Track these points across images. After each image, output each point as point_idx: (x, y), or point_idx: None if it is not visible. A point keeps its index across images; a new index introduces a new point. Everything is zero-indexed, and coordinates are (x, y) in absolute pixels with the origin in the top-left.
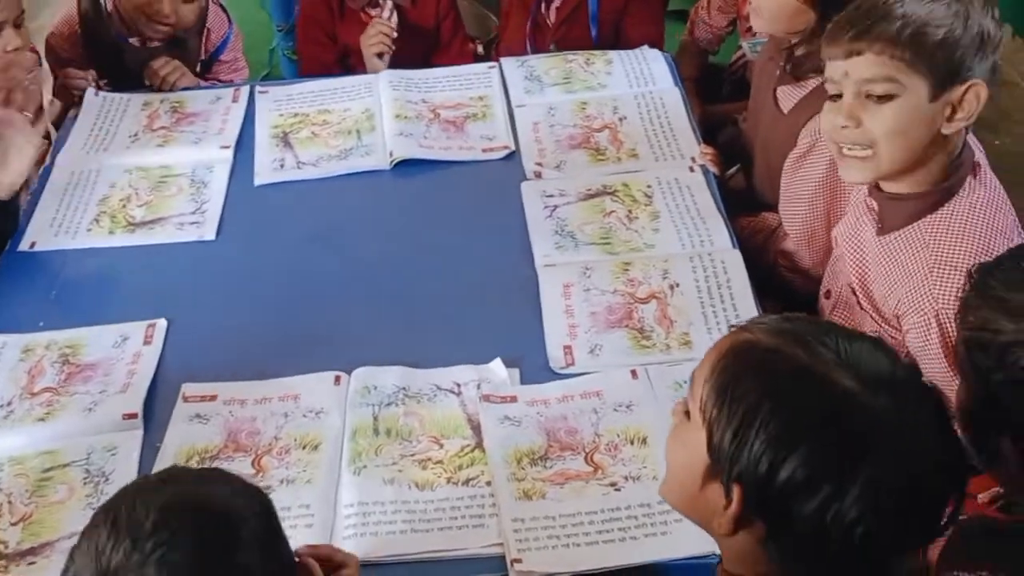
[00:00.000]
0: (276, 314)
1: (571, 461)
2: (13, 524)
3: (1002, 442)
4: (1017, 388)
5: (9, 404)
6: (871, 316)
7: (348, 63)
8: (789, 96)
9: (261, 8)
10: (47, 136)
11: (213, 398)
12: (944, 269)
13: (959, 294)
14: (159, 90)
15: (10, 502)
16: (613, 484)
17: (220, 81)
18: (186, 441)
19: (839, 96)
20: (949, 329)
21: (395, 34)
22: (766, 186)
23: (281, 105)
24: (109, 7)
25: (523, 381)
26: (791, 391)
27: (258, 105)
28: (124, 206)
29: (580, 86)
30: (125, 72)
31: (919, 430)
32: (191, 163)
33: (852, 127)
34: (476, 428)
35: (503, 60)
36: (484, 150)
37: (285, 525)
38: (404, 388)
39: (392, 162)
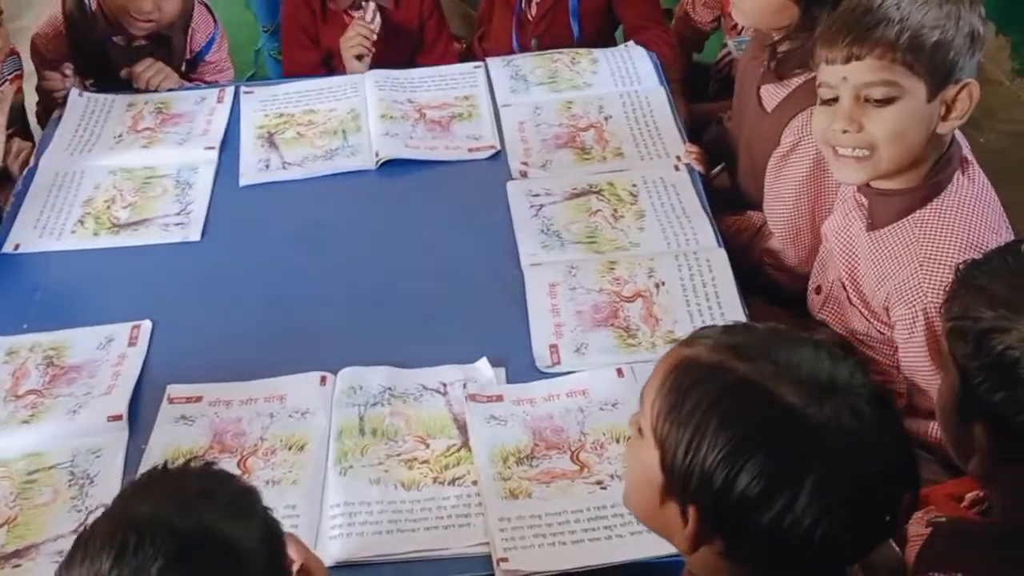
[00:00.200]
0: (262, 315)
1: (557, 460)
2: None
3: (976, 429)
4: (992, 372)
5: None
6: (860, 311)
7: (331, 65)
8: (773, 95)
9: (247, 9)
10: (30, 138)
11: (199, 399)
12: (932, 263)
13: (946, 288)
14: (145, 91)
15: None
16: (599, 483)
17: (205, 82)
18: (171, 443)
19: (834, 100)
20: (935, 324)
21: (375, 36)
22: (751, 185)
23: (266, 105)
24: (93, 6)
25: (509, 380)
26: (736, 408)
27: (243, 105)
28: (109, 207)
29: (566, 85)
30: (111, 72)
31: (864, 434)
32: (176, 164)
33: (853, 131)
34: (462, 428)
35: (488, 60)
36: (470, 150)
37: None
38: (390, 388)
39: (378, 162)
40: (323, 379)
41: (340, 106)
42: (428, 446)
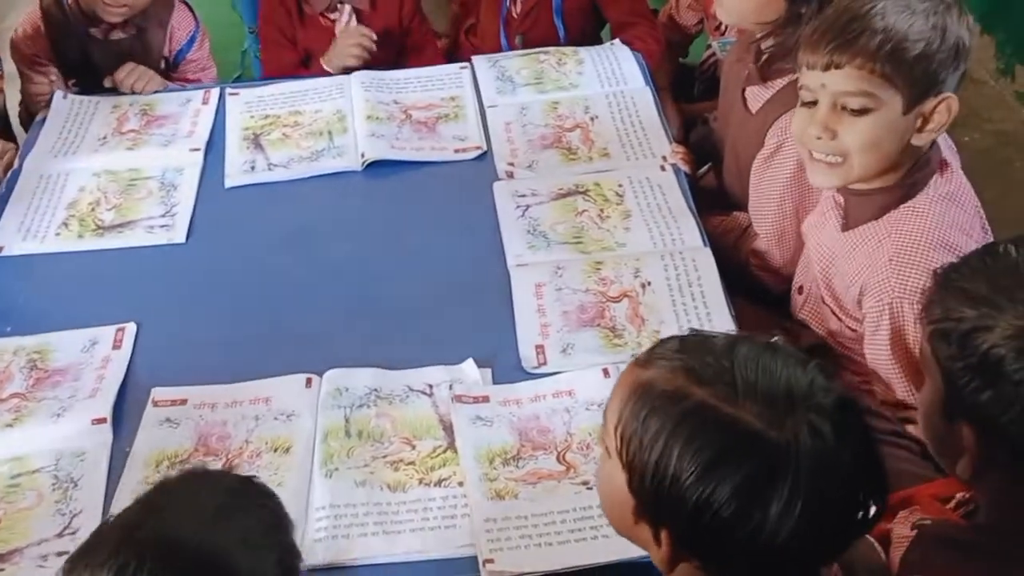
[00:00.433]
0: (247, 317)
1: (543, 460)
2: None
3: (963, 430)
4: (977, 372)
5: None
6: (832, 309)
7: (308, 66)
8: (757, 96)
9: (233, 10)
10: (13, 140)
11: (183, 402)
12: (901, 260)
13: (915, 287)
14: (130, 93)
15: None
16: (585, 483)
17: (188, 81)
18: (156, 446)
19: (813, 103)
20: (900, 322)
21: (374, 46)
22: (736, 185)
23: (252, 107)
24: (69, 0)
25: (495, 381)
26: (697, 435)
27: (229, 107)
28: (93, 210)
29: (552, 86)
30: (92, 70)
31: (825, 450)
32: (161, 166)
33: (827, 138)
34: (448, 429)
35: (475, 60)
36: (456, 150)
37: None
38: (376, 390)
39: (364, 163)
40: (308, 381)
41: (326, 107)
42: (414, 447)
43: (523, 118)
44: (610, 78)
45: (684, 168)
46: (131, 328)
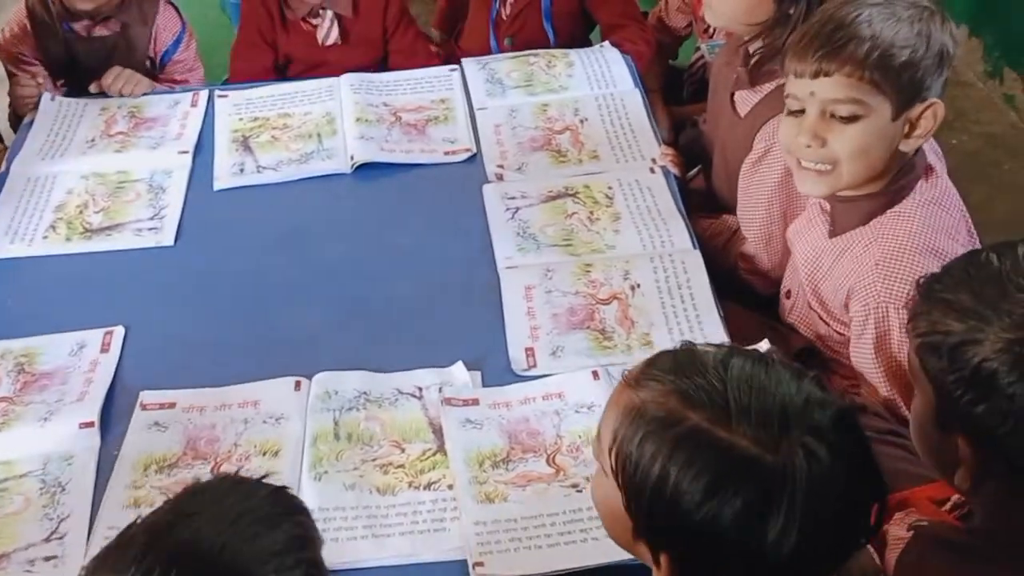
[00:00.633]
0: (236, 320)
1: (533, 463)
2: None
3: (959, 442)
4: (971, 385)
5: None
6: (819, 314)
7: (286, 71)
8: (745, 100)
9: (222, 12)
10: (1, 142)
11: (172, 405)
12: (886, 265)
13: (901, 292)
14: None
15: None
16: (575, 485)
17: (175, 82)
18: (144, 450)
19: (800, 112)
20: (885, 327)
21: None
22: (725, 189)
23: (241, 109)
24: None
25: (485, 384)
26: (693, 461)
27: (217, 109)
28: (81, 212)
29: (541, 88)
30: (77, 68)
31: (821, 472)
32: (149, 168)
33: (816, 146)
34: (438, 431)
35: (464, 62)
36: (446, 153)
37: None
38: (365, 392)
39: (353, 166)
40: (297, 384)
41: (315, 109)
42: (403, 450)
43: (513, 120)
44: (600, 80)
45: (673, 170)
46: (119, 331)
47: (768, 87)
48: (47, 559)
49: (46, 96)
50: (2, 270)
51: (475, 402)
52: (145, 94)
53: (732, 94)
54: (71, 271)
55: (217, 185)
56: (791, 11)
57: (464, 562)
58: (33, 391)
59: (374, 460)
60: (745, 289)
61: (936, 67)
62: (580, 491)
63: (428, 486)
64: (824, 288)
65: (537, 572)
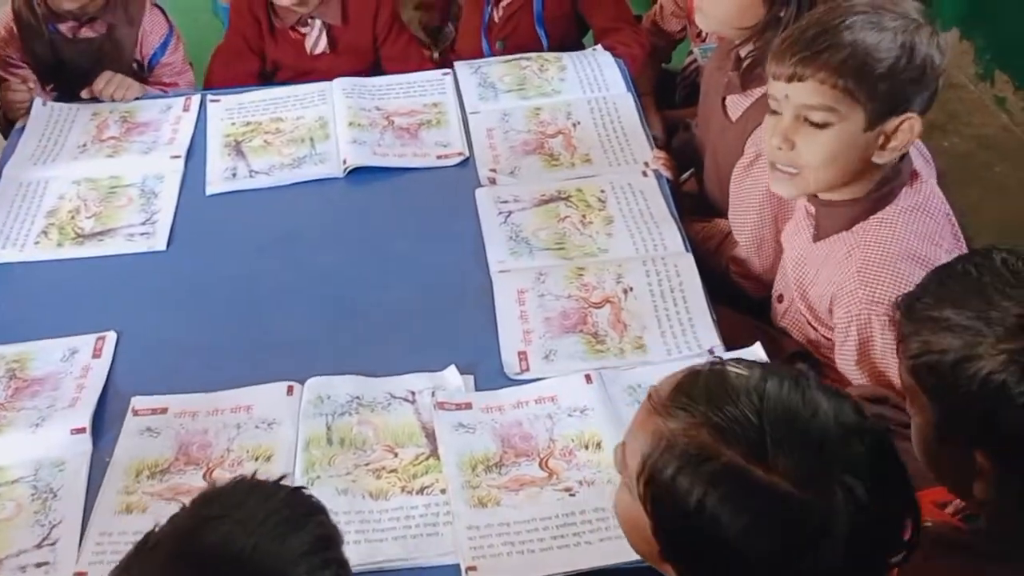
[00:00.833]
0: (228, 325)
1: (526, 467)
2: None
3: (977, 456)
4: (979, 399)
5: None
6: (807, 318)
7: (273, 79)
8: (737, 105)
9: (215, 16)
10: None
11: (164, 411)
12: (868, 271)
13: (883, 298)
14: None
15: None
16: (568, 489)
17: (164, 85)
18: (136, 455)
19: (779, 113)
20: (867, 333)
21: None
22: (717, 192)
23: (233, 114)
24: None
25: (478, 388)
26: (729, 500)
27: (210, 114)
28: (73, 218)
29: (534, 92)
30: (64, 71)
31: (862, 504)
32: (141, 173)
33: (786, 149)
34: (431, 436)
35: (457, 66)
36: (438, 157)
37: None
38: (358, 397)
39: (346, 170)
40: (290, 389)
41: (308, 114)
42: (396, 455)
43: (505, 124)
44: (592, 84)
45: (666, 174)
46: (111, 337)
47: (759, 91)
48: (39, 565)
49: (38, 101)
50: None
51: (468, 406)
52: (137, 98)
53: (723, 98)
54: (63, 276)
55: (209, 190)
56: (781, 15)
57: (457, 566)
58: (25, 397)
59: (367, 465)
60: (737, 293)
61: (919, 80)
62: (573, 495)
63: (421, 491)
64: (811, 293)
65: None
